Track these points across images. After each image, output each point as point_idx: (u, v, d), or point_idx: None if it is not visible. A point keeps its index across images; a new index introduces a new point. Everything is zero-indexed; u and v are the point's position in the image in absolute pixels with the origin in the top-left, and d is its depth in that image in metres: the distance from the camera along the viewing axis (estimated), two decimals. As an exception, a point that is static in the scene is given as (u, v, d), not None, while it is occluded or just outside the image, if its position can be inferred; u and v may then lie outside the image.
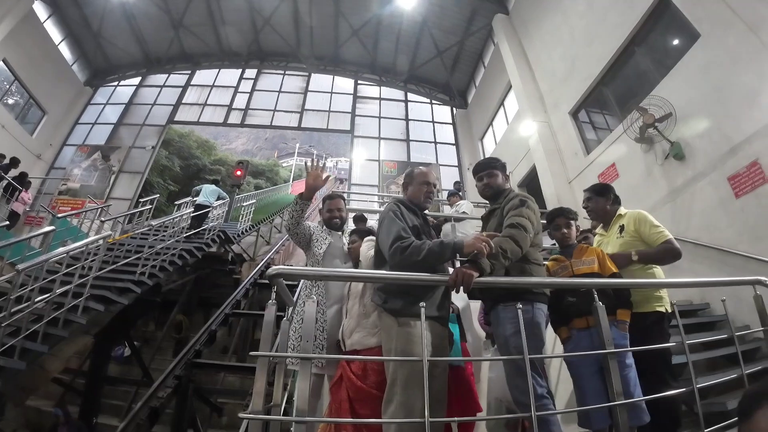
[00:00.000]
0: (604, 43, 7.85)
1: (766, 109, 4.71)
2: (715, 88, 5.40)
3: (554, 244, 3.18)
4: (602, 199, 2.91)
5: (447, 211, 6.10)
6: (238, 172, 12.58)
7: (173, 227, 7.16)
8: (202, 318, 8.65)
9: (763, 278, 2.71)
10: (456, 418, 1.91)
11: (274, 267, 1.95)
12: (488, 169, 2.52)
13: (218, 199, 9.86)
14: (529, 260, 2.20)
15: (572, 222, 2.69)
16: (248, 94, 16.67)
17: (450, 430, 2.58)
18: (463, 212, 5.69)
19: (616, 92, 7.90)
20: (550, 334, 2.40)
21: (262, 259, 8.89)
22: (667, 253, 2.57)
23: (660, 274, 2.72)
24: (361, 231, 2.87)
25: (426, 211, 2.52)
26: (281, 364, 2.08)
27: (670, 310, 2.50)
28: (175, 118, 16.10)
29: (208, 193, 9.51)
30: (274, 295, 1.94)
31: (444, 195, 6.91)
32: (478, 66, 14.98)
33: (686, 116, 5.80)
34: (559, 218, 2.67)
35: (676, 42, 6.44)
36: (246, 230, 10.59)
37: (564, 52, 9.26)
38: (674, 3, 6.18)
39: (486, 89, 14.02)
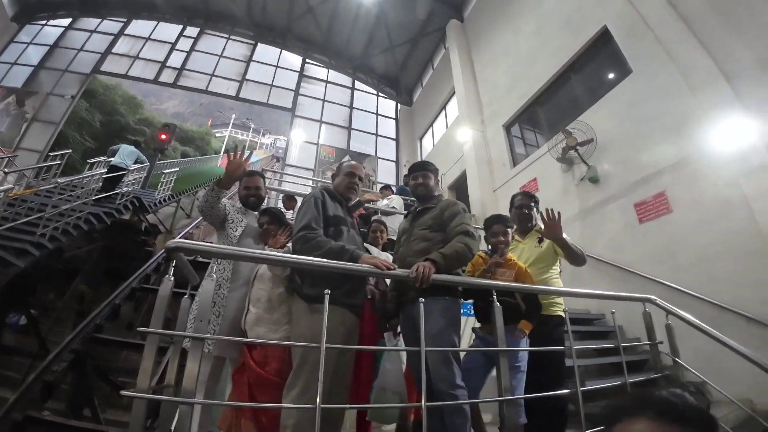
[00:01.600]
0: (544, 66, 8.30)
1: (680, 147, 5.23)
2: (637, 122, 5.90)
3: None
4: (536, 210, 3.08)
5: (379, 204, 6.12)
6: (163, 136, 11.55)
7: (82, 188, 6.42)
8: (108, 290, 7.83)
9: (653, 297, 3.05)
10: (347, 406, 1.89)
11: (175, 240, 1.81)
12: (424, 171, 2.68)
13: (136, 162, 9.00)
14: None
15: (508, 230, 2.78)
16: (186, 54, 15.40)
17: (368, 425, 2.66)
18: (393, 207, 5.75)
19: (548, 113, 8.41)
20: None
21: (180, 233, 8.28)
22: (579, 255, 2.75)
23: (560, 284, 2.91)
24: (273, 213, 2.72)
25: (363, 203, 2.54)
26: (178, 344, 1.92)
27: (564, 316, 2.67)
28: (102, 68, 14.46)
29: (125, 154, 8.66)
30: (172, 270, 1.81)
31: (385, 187, 6.98)
32: (428, 67, 15.21)
33: (606, 144, 6.31)
34: (498, 225, 2.73)
35: (609, 74, 6.95)
36: (165, 200, 9.79)
37: (508, 68, 9.67)
38: (615, 39, 6.65)
39: (431, 91, 14.29)
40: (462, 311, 2.40)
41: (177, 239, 1.83)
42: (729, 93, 4.69)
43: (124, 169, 8.44)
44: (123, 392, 1.75)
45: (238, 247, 2.58)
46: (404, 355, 2.58)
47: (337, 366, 1.98)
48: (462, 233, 2.29)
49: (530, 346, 2.38)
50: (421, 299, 1.97)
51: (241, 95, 15.38)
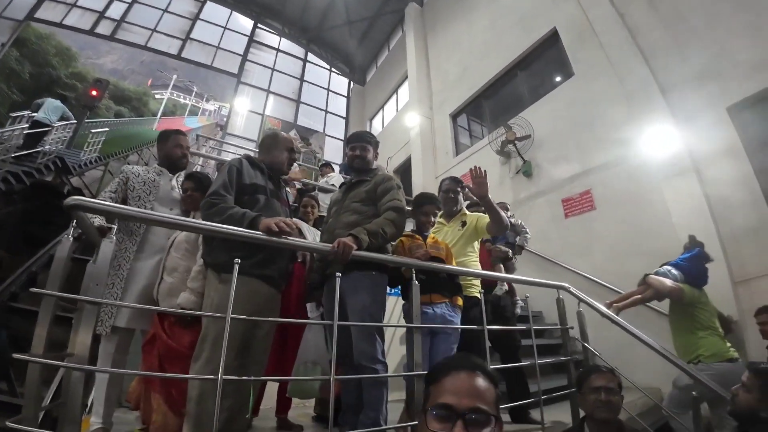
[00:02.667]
0: (494, 60, 8.48)
1: (608, 150, 5.60)
2: (573, 123, 6.23)
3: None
4: (461, 196, 3.19)
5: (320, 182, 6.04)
6: (94, 92, 10.54)
7: (2, 143, 5.91)
8: (28, 258, 7.15)
9: (566, 285, 3.23)
10: (251, 378, 1.84)
11: (76, 197, 1.63)
12: (362, 142, 2.57)
13: (62, 119, 8.16)
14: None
15: (437, 212, 2.88)
16: (128, 5, 13.93)
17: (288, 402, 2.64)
18: (332, 184, 5.68)
19: (493, 106, 8.66)
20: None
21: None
22: (502, 218, 2.81)
23: (478, 267, 3.05)
24: (199, 179, 2.53)
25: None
26: (80, 311, 1.74)
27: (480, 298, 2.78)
28: (36, 15, 12.72)
29: (50, 109, 7.84)
30: (72, 231, 1.66)
31: (325, 165, 6.88)
32: (384, 48, 15.03)
33: (542, 140, 6.62)
34: (429, 205, 2.76)
35: (553, 75, 7.24)
36: (91, 162, 9.00)
37: (460, 59, 9.78)
38: (562, 41, 6.91)
39: (385, 72, 14.16)
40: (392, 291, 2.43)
41: (79, 197, 1.64)
42: (661, 103, 5.06)
43: (48, 126, 7.67)
44: (15, 355, 1.57)
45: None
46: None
47: (249, 340, 1.91)
48: (392, 209, 2.25)
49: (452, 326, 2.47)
50: (338, 274, 1.93)
51: (183, 55, 14.29)
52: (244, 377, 1.76)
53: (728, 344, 3.05)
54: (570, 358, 3.10)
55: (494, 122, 8.19)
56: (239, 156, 2.26)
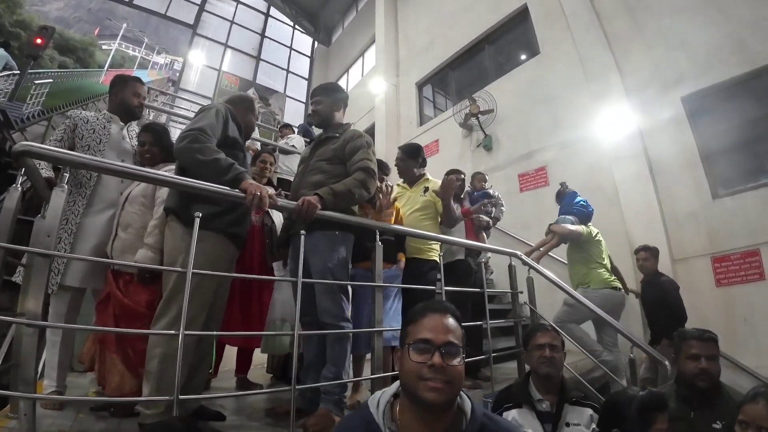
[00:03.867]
0: (463, 32, 8.40)
1: (566, 129, 5.83)
2: (534, 100, 6.39)
3: None
4: (411, 161, 3.21)
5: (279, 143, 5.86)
6: (39, 40, 9.37)
7: None
8: None
9: (519, 253, 3.44)
10: (213, 333, 1.84)
11: (24, 143, 1.52)
12: (323, 95, 2.43)
13: (5, 69, 7.35)
14: None
15: (384, 177, 2.94)
16: None
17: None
18: (293, 146, 5.54)
19: (458, 78, 8.66)
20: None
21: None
22: (453, 218, 3.04)
23: (439, 232, 3.15)
24: (157, 131, 2.37)
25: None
26: (29, 268, 1.65)
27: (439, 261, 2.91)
28: None
29: None
30: (20, 180, 1.54)
31: (285, 126, 6.65)
32: (352, 8, 14.47)
33: (504, 116, 6.77)
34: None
35: (519, 51, 7.31)
36: (34, 116, 8.21)
37: (429, 27, 9.61)
38: (531, 18, 6.93)
39: (352, 35, 13.71)
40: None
41: (28, 143, 1.52)
42: (619, 87, 5.29)
43: (-11, 75, 6.86)
44: None
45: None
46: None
47: (215, 297, 1.90)
48: (361, 170, 2.17)
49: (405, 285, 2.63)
50: (302, 232, 1.94)
51: (135, 1, 13.08)
52: (210, 332, 1.75)
53: (612, 276, 3.85)
54: (518, 320, 3.33)
55: (459, 95, 8.21)
56: (222, 103, 2.12)
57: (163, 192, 2.08)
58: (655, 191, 4.79)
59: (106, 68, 24.41)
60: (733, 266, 4.24)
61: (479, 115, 6.89)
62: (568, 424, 1.80)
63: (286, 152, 5.33)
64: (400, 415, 1.05)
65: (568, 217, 4.16)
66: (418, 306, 1.13)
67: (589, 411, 1.82)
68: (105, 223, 2.18)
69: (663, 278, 3.81)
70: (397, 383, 1.11)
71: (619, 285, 3.85)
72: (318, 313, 2.07)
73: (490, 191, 4.77)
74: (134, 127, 2.58)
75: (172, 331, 1.59)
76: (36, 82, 8.86)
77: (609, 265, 3.93)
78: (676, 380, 2.03)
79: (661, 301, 3.65)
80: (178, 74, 14.41)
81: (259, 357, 3.21)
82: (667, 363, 2.69)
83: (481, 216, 4.06)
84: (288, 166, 5.28)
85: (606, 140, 5.26)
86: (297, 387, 1.79)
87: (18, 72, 8.37)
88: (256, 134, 4.87)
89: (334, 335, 2.05)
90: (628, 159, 5.05)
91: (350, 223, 2.16)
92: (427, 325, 1.05)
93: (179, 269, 1.71)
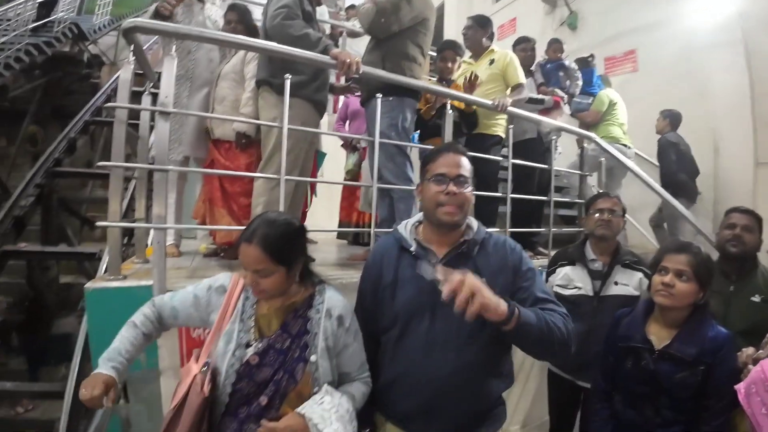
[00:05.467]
0: None
1: (658, 9, 5.11)
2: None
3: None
4: (481, 30, 3.11)
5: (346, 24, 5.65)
6: None
7: (17, 18, 5.85)
8: (59, 129, 7.52)
9: (594, 135, 3.37)
10: (308, 179, 2.15)
11: (130, 20, 1.74)
12: None
13: None
14: (408, 57, 2.31)
15: (458, 58, 2.90)
16: None
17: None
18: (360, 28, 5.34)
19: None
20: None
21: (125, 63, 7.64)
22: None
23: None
24: (241, 9, 2.52)
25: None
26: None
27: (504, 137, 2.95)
28: None
29: None
30: (132, 56, 1.79)
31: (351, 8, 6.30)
32: None
33: (593, -9, 6.00)
34: (448, 51, 2.80)
35: None
36: (104, 26, 8.76)
37: None
38: None
39: None
40: None
41: (134, 19, 1.77)
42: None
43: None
44: (98, 223, 1.86)
45: (193, 55, 2.52)
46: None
47: (305, 159, 2.19)
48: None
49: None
50: (378, 96, 2.11)
51: None
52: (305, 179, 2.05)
53: (626, 135, 4.10)
54: (583, 201, 3.32)
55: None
56: None
57: (251, 67, 2.34)
58: (750, 86, 4.20)
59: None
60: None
61: (565, -12, 6.16)
62: (616, 283, 1.91)
63: (354, 35, 5.17)
64: (423, 234, 1.30)
65: (582, 102, 4.32)
66: (433, 149, 1.35)
67: (640, 275, 1.89)
68: (202, 101, 2.51)
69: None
70: (418, 215, 1.36)
71: (629, 143, 4.11)
72: (382, 175, 2.26)
73: (566, 62, 4.32)
74: (209, 10, 2.74)
75: (276, 176, 1.90)
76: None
77: (625, 127, 4.15)
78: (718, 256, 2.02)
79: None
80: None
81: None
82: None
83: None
84: (356, 51, 5.19)
85: (701, 24, 4.60)
86: (376, 230, 2.06)
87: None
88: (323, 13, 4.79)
89: (398, 194, 2.27)
90: (723, 47, 4.41)
91: (411, 87, 2.27)
92: (443, 162, 1.25)
93: (274, 124, 1.98)
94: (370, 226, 2.28)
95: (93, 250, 4.26)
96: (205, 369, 1.11)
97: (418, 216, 1.35)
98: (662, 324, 1.50)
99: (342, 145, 3.55)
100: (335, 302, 1.20)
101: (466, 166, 1.26)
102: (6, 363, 5.07)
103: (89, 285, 1.68)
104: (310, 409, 1.06)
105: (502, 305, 1.02)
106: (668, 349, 1.44)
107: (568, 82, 4.09)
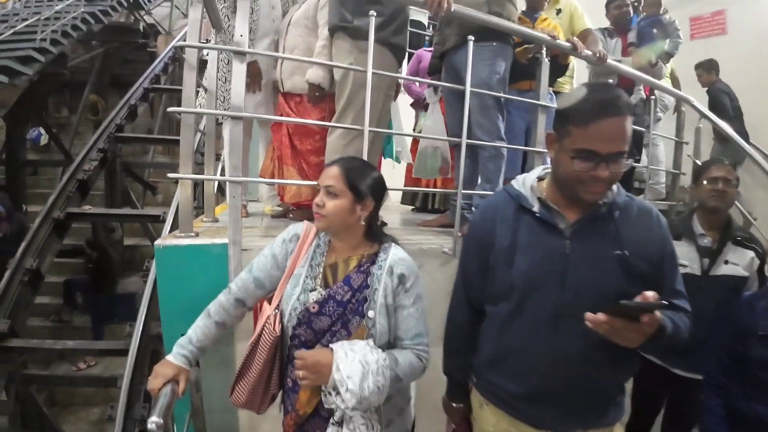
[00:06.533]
0: None
1: None
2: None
3: None
4: None
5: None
6: None
7: None
8: (118, 98, 7.73)
9: (691, 98, 2.99)
10: (391, 131, 1.92)
11: None
12: None
13: None
14: None
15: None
16: None
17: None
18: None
19: None
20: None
21: (181, 33, 7.70)
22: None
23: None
24: None
25: None
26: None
27: None
28: None
29: None
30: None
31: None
32: None
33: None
34: None
35: None
36: None
37: None
38: None
39: None
40: None
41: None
42: None
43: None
44: (170, 174, 1.72)
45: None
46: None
47: (381, 111, 1.98)
48: None
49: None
50: (471, 37, 1.82)
51: None
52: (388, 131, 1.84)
53: None
54: (679, 172, 3.01)
55: None
56: None
57: (324, 13, 2.12)
58: None
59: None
60: None
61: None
62: (726, 262, 1.71)
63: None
64: (548, 192, 1.04)
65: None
66: (590, 101, 0.91)
67: (751, 254, 1.71)
68: (266, 49, 2.33)
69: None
70: (538, 169, 1.11)
71: None
72: (472, 130, 2.01)
73: (663, 18, 3.80)
74: None
75: (358, 126, 1.70)
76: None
77: None
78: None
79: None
80: None
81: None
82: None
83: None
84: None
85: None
86: (462, 191, 1.85)
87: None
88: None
89: (488, 153, 2.03)
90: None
91: (508, 31, 1.99)
92: (598, 132, 0.89)
93: (358, 68, 1.75)
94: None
95: (157, 212, 4.29)
96: (276, 310, 1.15)
97: (538, 170, 1.12)
98: None
99: (412, 104, 3.28)
100: (399, 260, 1.15)
101: (628, 136, 0.91)
102: (70, 321, 5.31)
103: (159, 242, 1.60)
104: (340, 344, 1.05)
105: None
106: None
107: (667, 41, 3.60)
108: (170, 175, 1.68)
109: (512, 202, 1.07)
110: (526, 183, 1.08)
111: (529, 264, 1.01)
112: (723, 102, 3.93)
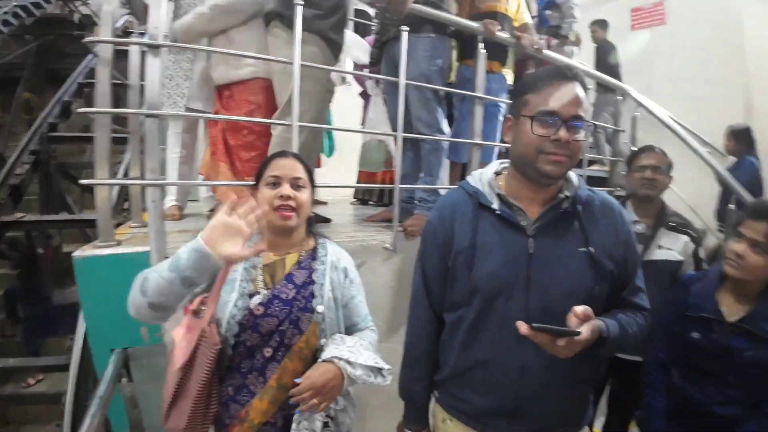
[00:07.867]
0: None
1: None
2: None
3: None
4: None
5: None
6: None
7: None
8: (54, 94, 7.30)
9: (629, 88, 3.12)
10: (324, 125, 1.85)
11: None
12: None
13: None
14: None
15: None
16: None
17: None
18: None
19: None
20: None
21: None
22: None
23: None
24: None
25: None
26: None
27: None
28: None
29: None
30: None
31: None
32: None
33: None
34: None
35: None
36: None
37: None
38: None
39: None
40: None
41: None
42: None
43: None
44: (81, 181, 1.86)
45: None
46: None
47: (324, 104, 1.92)
48: None
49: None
50: (405, 28, 1.78)
51: None
52: (320, 125, 1.78)
53: None
54: (616, 159, 3.12)
55: None
56: None
57: None
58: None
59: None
60: None
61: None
62: (660, 247, 1.74)
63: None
64: (506, 187, 1.00)
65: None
66: (541, 71, 0.98)
67: (685, 238, 1.74)
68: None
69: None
70: (495, 164, 1.07)
71: None
72: (413, 123, 2.00)
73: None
74: None
75: (286, 122, 1.64)
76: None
77: None
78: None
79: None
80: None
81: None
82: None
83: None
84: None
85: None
86: (401, 186, 1.82)
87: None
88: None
89: (429, 145, 2.01)
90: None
91: (447, 23, 1.96)
92: (554, 94, 0.89)
93: (285, 60, 1.69)
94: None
95: (93, 217, 4.03)
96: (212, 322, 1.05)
97: (496, 164, 1.06)
98: (735, 295, 1.36)
99: (361, 94, 3.15)
100: (339, 255, 1.18)
101: (585, 102, 0.91)
102: (13, 337, 4.98)
103: (78, 253, 1.50)
104: (335, 349, 1.04)
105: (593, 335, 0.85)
106: (743, 324, 1.31)
107: (564, 22, 3.43)
108: (82, 181, 1.57)
109: (470, 199, 1.01)
110: (483, 178, 1.03)
111: (492, 266, 0.95)
112: (609, 53, 4.55)
